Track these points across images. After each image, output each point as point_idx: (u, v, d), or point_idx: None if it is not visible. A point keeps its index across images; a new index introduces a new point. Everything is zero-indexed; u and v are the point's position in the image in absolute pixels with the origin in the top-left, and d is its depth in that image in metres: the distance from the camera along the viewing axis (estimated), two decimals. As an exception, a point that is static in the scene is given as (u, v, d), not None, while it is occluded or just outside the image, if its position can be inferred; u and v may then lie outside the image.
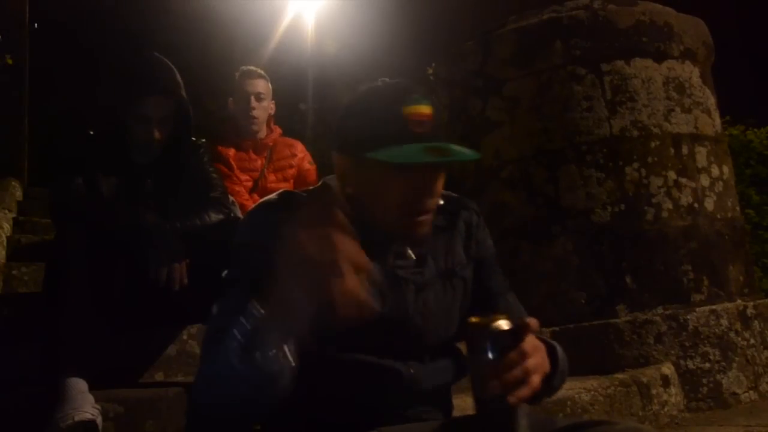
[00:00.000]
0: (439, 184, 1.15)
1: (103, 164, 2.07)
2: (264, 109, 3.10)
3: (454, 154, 1.09)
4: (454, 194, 1.32)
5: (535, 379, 0.95)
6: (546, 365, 1.02)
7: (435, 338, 1.21)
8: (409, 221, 1.13)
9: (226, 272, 1.14)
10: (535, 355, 0.97)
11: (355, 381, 1.14)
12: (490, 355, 0.94)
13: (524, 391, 0.94)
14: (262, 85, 3.11)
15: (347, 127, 1.16)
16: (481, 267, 1.32)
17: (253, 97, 3.05)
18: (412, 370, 1.17)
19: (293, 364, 0.95)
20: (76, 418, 1.59)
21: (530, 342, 0.97)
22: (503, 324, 0.95)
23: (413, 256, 1.21)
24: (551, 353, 1.09)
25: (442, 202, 1.23)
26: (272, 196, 1.20)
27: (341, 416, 1.14)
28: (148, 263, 1.88)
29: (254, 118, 3.06)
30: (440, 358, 1.23)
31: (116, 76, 2.18)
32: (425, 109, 1.09)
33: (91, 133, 2.17)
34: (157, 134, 2.04)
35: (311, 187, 1.29)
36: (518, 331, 0.96)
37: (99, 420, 1.63)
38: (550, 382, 1.09)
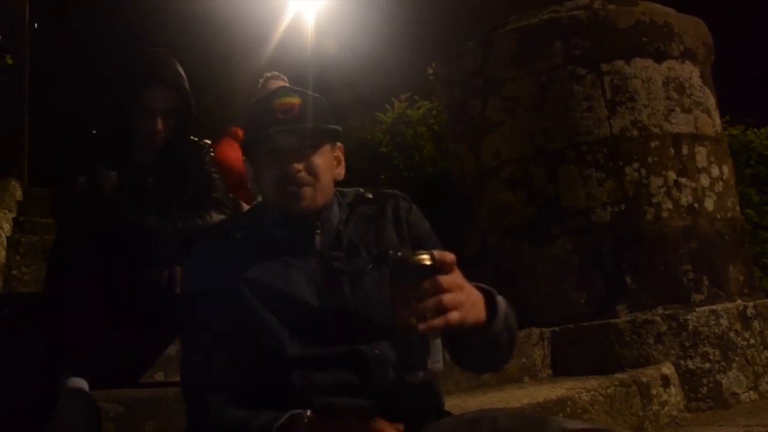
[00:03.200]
0: (311, 159, 1.26)
1: (105, 163, 2.07)
2: None
3: (303, 126, 1.25)
4: (384, 189, 1.41)
5: (454, 315, 0.99)
6: (477, 310, 1.07)
7: (385, 321, 1.22)
8: (284, 195, 1.25)
9: (182, 321, 1.30)
10: (456, 291, 1.01)
11: (324, 369, 1.19)
12: (403, 285, 0.98)
13: (437, 321, 0.98)
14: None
15: (243, 130, 1.39)
16: (418, 246, 1.32)
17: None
18: (377, 351, 1.21)
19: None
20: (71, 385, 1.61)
21: (451, 278, 1.01)
22: (424, 258, 0.99)
23: (337, 244, 1.30)
24: (490, 301, 1.12)
25: (369, 196, 1.37)
26: (205, 235, 1.40)
27: (326, 400, 1.18)
28: (149, 264, 1.88)
29: None
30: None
31: (120, 68, 2.19)
32: (291, 100, 1.27)
33: (94, 131, 2.17)
34: (160, 125, 2.05)
35: (250, 207, 1.47)
36: (439, 267, 0.99)
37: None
38: (488, 327, 1.12)
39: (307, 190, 1.25)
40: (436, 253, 1.00)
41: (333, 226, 1.31)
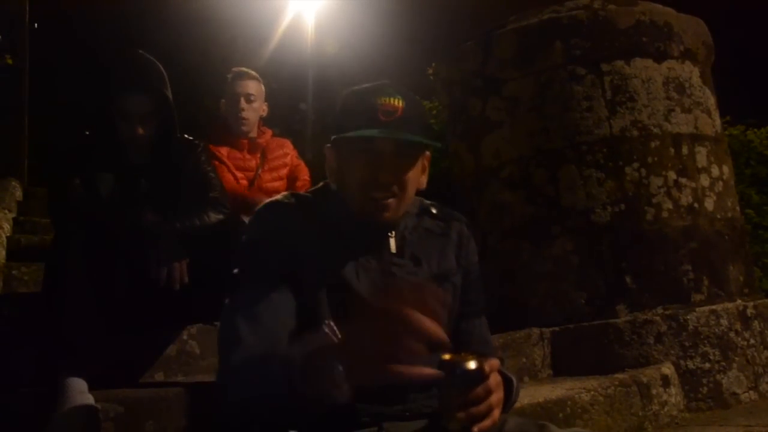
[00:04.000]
0: (404, 171, 1.22)
1: (99, 164, 2.08)
2: (254, 110, 3.11)
3: (406, 137, 1.19)
4: (447, 208, 1.41)
5: (497, 413, 1.08)
6: (503, 398, 1.13)
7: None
8: (369, 202, 1.22)
9: (237, 269, 1.22)
10: (498, 391, 1.09)
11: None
12: (458, 390, 1.05)
13: (487, 423, 1.05)
14: (253, 87, 3.12)
15: (333, 120, 1.29)
16: (466, 279, 1.38)
17: (242, 99, 3.07)
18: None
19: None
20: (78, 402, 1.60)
21: (494, 379, 1.08)
22: (471, 363, 1.06)
23: (401, 251, 1.29)
24: (507, 385, 1.19)
25: (434, 211, 1.36)
26: (279, 196, 1.31)
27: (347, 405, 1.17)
28: (148, 263, 1.88)
29: (243, 119, 3.07)
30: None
31: (101, 74, 2.20)
32: (395, 101, 1.20)
33: (87, 133, 2.18)
34: (140, 130, 2.06)
35: (313, 188, 1.38)
36: (483, 370, 1.06)
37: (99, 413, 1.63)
38: (504, 409, 1.19)
39: (393, 202, 1.22)
40: (486, 364, 1.06)
41: (399, 232, 1.30)
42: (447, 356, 1.06)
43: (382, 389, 1.17)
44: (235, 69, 3.21)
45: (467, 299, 1.38)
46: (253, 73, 3.18)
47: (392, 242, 1.27)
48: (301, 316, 1.19)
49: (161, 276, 1.88)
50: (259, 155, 3.14)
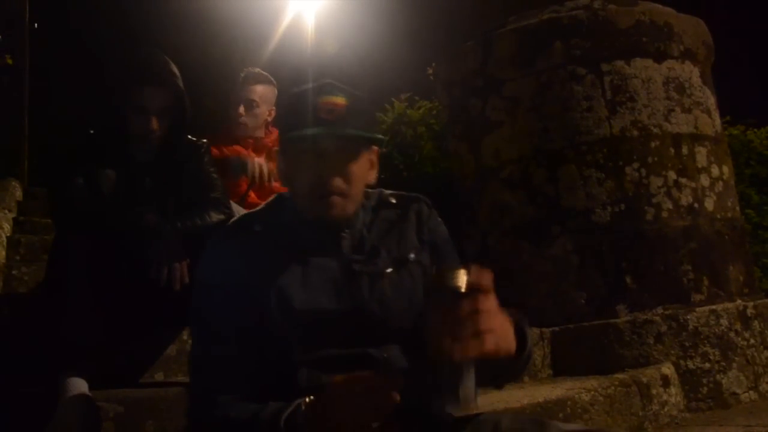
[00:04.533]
0: (348, 167, 1.22)
1: (103, 163, 2.07)
2: (255, 116, 3.06)
3: (345, 132, 1.19)
4: (406, 193, 1.40)
5: (489, 340, 0.97)
6: (508, 339, 1.05)
7: (399, 324, 1.25)
8: (317, 201, 1.22)
9: (192, 320, 1.26)
10: (491, 318, 0.99)
11: (332, 371, 1.16)
12: (445, 310, 0.95)
13: (472, 348, 0.95)
14: (258, 92, 3.07)
15: (277, 123, 1.28)
16: (435, 251, 1.35)
17: (242, 104, 3.03)
18: (385, 354, 1.21)
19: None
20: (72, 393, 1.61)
21: (488, 303, 1.00)
22: (461, 275, 0.97)
23: (360, 247, 1.28)
24: (520, 336, 1.12)
25: (393, 201, 1.35)
26: (225, 228, 1.36)
27: None
28: (149, 263, 1.88)
29: (240, 123, 3.06)
30: (415, 344, 1.24)
31: (114, 68, 2.20)
32: (337, 99, 1.20)
33: (91, 132, 2.17)
34: (154, 124, 2.05)
35: (267, 200, 1.39)
36: (474, 285, 0.99)
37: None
38: (517, 362, 1.13)
39: (340, 200, 1.22)
40: (474, 270, 0.99)
41: (357, 229, 1.30)
42: (435, 272, 1.00)
43: None
44: (247, 70, 3.14)
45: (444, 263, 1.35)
46: (263, 75, 3.09)
47: (346, 241, 1.27)
48: (270, 345, 1.19)
49: (162, 276, 1.88)
50: (264, 155, 3.14)
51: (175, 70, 2.13)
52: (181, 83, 2.11)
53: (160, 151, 2.13)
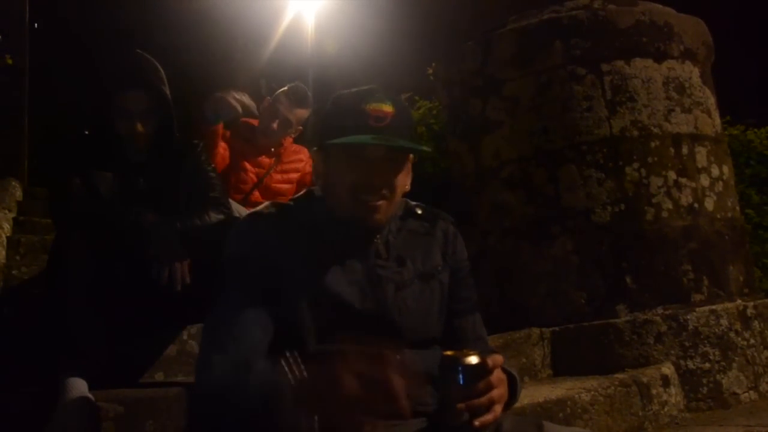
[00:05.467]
0: (394, 175, 1.25)
1: (99, 163, 2.08)
2: (285, 133, 3.09)
3: (399, 144, 1.21)
4: (432, 207, 1.43)
5: (498, 408, 1.09)
6: (506, 395, 1.15)
7: (413, 334, 1.28)
8: (360, 205, 1.23)
9: (220, 285, 1.25)
10: (500, 386, 1.10)
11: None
12: (460, 384, 1.07)
13: (488, 417, 1.07)
14: (298, 115, 3.07)
15: (321, 124, 1.30)
16: (455, 276, 1.39)
17: (278, 121, 3.03)
18: (398, 356, 1.19)
19: (292, 379, 1.01)
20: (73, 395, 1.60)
21: (496, 375, 1.09)
22: (473, 359, 1.08)
23: (385, 252, 1.30)
24: (510, 382, 1.20)
25: (420, 212, 1.38)
26: (260, 207, 1.33)
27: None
28: (149, 263, 1.88)
29: (270, 138, 3.07)
30: (425, 351, 1.29)
31: (99, 72, 2.22)
32: (385, 107, 1.22)
33: (86, 132, 2.18)
34: (139, 127, 2.07)
35: (296, 196, 1.39)
36: (485, 365, 1.08)
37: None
38: (508, 406, 1.21)
39: (383, 205, 1.24)
40: (489, 359, 1.08)
41: (384, 235, 1.31)
42: (449, 352, 1.09)
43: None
44: (296, 87, 3.11)
45: (458, 296, 1.39)
46: (308, 99, 3.10)
47: (379, 245, 1.29)
48: (285, 332, 1.20)
49: (162, 276, 1.88)
50: (274, 157, 3.15)
51: (159, 71, 2.15)
52: (163, 85, 2.13)
53: (153, 151, 2.14)
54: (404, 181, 1.29)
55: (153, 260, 1.89)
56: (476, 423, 1.05)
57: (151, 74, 2.12)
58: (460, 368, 1.07)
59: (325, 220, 1.28)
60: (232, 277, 1.23)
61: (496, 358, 1.09)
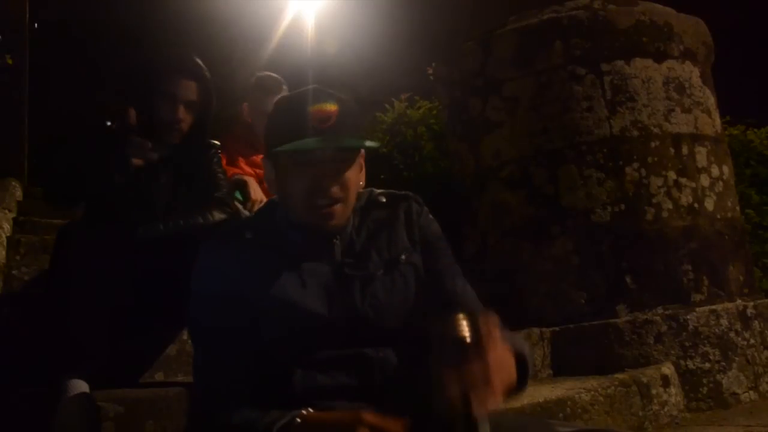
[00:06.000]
0: (344, 175, 1.22)
1: (119, 155, 2.08)
2: None
3: (345, 144, 1.20)
4: (396, 191, 1.38)
5: (500, 389, 0.96)
6: (513, 376, 1.07)
7: (393, 325, 1.25)
8: (315, 211, 1.21)
9: (189, 325, 1.29)
10: (501, 371, 0.99)
11: (327, 372, 1.19)
12: (453, 363, 0.93)
13: (487, 401, 0.95)
14: None
15: (267, 131, 1.28)
16: (428, 250, 1.34)
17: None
18: (381, 354, 1.21)
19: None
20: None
21: (499, 355, 0.99)
22: (465, 330, 0.94)
23: (350, 249, 1.28)
24: (520, 361, 1.13)
25: (383, 200, 1.34)
26: (218, 231, 1.37)
27: (326, 404, 1.17)
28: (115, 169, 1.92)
29: None
30: (410, 344, 1.25)
31: (148, 57, 2.24)
32: (329, 107, 1.19)
33: (108, 123, 2.20)
34: (181, 113, 2.08)
35: (259, 206, 1.38)
36: (481, 337, 0.96)
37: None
38: (519, 389, 1.15)
39: (338, 208, 1.22)
40: (482, 325, 0.97)
41: (347, 232, 1.29)
42: (435, 321, 0.98)
43: (357, 383, 1.19)
44: (264, 77, 3.06)
45: (437, 264, 1.33)
46: (278, 82, 3.02)
47: (338, 248, 1.26)
48: (267, 354, 1.20)
49: (131, 165, 1.95)
50: None
51: (207, 72, 2.18)
52: (210, 84, 2.15)
53: (178, 147, 2.14)
54: (357, 178, 1.26)
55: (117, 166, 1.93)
56: (477, 412, 0.93)
57: (201, 67, 2.16)
58: (447, 342, 0.94)
59: (286, 227, 1.27)
60: (201, 318, 1.24)
61: (489, 322, 0.99)
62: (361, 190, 1.34)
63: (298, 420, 1.06)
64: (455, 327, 0.95)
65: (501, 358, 1.00)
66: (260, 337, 1.20)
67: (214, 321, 1.22)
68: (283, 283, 1.22)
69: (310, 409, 1.08)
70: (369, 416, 1.02)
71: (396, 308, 1.26)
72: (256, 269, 1.22)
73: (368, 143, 1.25)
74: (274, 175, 1.28)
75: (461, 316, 0.96)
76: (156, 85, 2.09)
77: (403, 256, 1.29)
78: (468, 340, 0.94)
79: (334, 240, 1.27)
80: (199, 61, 2.17)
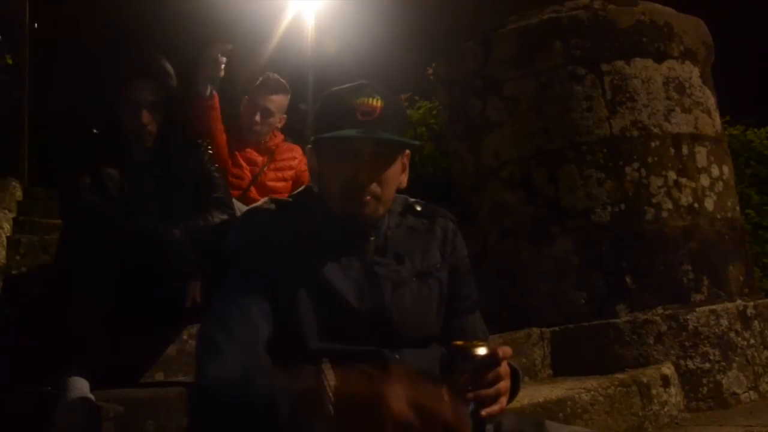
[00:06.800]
0: (383, 170, 1.23)
1: (106, 162, 2.08)
2: (269, 124, 3.09)
3: (385, 137, 1.20)
4: (432, 204, 1.41)
5: (504, 400, 1.08)
6: (508, 386, 1.13)
7: (411, 333, 1.27)
8: (350, 201, 1.22)
9: (219, 278, 1.23)
10: (506, 379, 1.09)
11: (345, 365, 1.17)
12: (470, 374, 1.06)
13: (495, 408, 1.06)
14: (276, 102, 3.07)
15: (314, 121, 1.30)
16: (455, 274, 1.38)
17: (259, 113, 3.04)
18: (397, 356, 1.22)
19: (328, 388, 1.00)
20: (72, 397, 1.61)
21: (504, 367, 1.08)
22: (483, 349, 1.08)
23: (383, 250, 1.29)
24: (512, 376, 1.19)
25: (419, 208, 1.37)
26: (259, 202, 1.33)
27: None
28: (170, 275, 1.88)
29: (255, 131, 3.07)
30: (422, 350, 1.29)
31: (106, 65, 2.22)
32: (373, 101, 1.21)
33: (94, 131, 2.18)
34: (145, 117, 2.06)
35: (295, 192, 1.39)
36: (495, 355, 1.08)
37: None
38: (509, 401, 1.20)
39: (373, 202, 1.23)
40: (499, 349, 1.08)
41: (381, 232, 1.30)
42: (459, 342, 1.09)
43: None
44: (267, 75, 3.13)
45: (458, 295, 1.37)
46: (282, 84, 3.09)
47: (372, 245, 1.28)
48: (283, 327, 1.19)
49: (178, 286, 1.89)
50: (266, 155, 3.15)
51: (167, 65, 2.15)
52: (171, 78, 2.12)
53: (158, 150, 2.14)
54: (396, 177, 1.28)
55: (174, 274, 1.89)
56: (483, 413, 1.05)
57: (157, 66, 2.13)
58: (470, 357, 1.06)
59: (323, 217, 1.28)
60: (233, 269, 1.22)
61: (506, 350, 1.08)
62: (401, 193, 1.36)
63: (331, 395, 0.98)
64: (475, 349, 1.08)
65: (507, 372, 1.09)
66: (282, 319, 1.19)
67: (248, 276, 1.20)
68: (315, 262, 1.22)
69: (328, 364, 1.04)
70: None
71: (419, 317, 1.29)
72: (292, 249, 1.23)
73: (410, 141, 1.27)
74: (316, 164, 1.30)
75: (482, 343, 1.09)
76: (116, 95, 2.08)
77: (433, 270, 1.33)
78: (485, 354, 1.07)
79: (370, 237, 1.28)
80: (155, 58, 2.14)
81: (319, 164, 1.28)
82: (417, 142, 1.33)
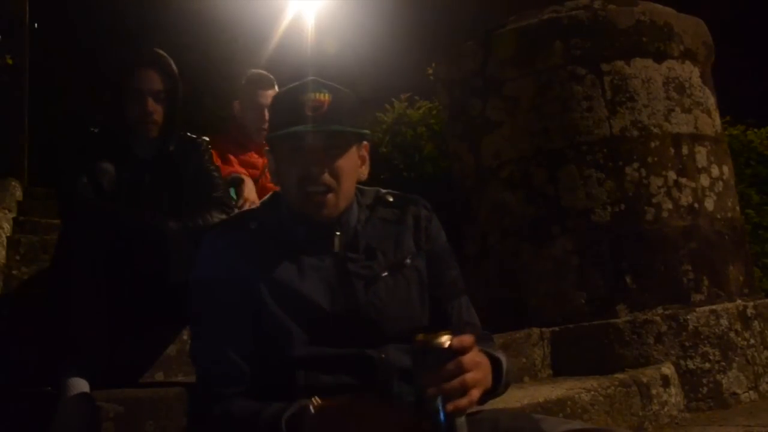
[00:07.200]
0: (335, 163, 1.23)
1: (103, 159, 2.08)
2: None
3: (332, 128, 1.21)
4: (405, 194, 1.39)
5: (475, 393, 1.03)
6: (488, 380, 1.10)
7: (395, 328, 1.25)
8: (307, 199, 1.22)
9: (190, 312, 1.26)
10: (476, 370, 1.04)
11: (330, 370, 1.19)
12: (429, 368, 1.02)
13: (462, 402, 1.01)
14: (270, 97, 3.07)
15: (268, 123, 1.33)
16: (433, 260, 1.34)
17: (266, 110, 3.01)
18: (383, 355, 1.21)
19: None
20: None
21: (470, 357, 1.03)
22: (444, 341, 1.03)
23: (354, 245, 1.28)
24: (496, 367, 1.15)
25: (390, 199, 1.35)
26: (219, 223, 1.38)
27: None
28: (169, 268, 1.88)
29: (263, 130, 3.04)
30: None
31: (109, 59, 2.24)
32: (321, 96, 1.21)
33: (93, 129, 2.18)
34: (150, 106, 2.07)
35: (263, 199, 1.39)
36: (451, 348, 1.03)
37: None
38: (495, 392, 1.17)
39: (330, 197, 1.23)
40: (455, 340, 1.03)
41: (351, 226, 1.29)
42: (419, 336, 1.05)
43: (357, 383, 1.19)
44: (253, 73, 3.09)
45: (440, 281, 1.34)
46: (272, 78, 3.06)
47: (337, 241, 1.26)
48: (266, 344, 1.20)
49: (176, 279, 1.88)
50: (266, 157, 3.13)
51: (172, 63, 2.17)
52: (174, 71, 2.14)
53: (160, 146, 2.14)
54: (353, 169, 1.27)
55: (172, 268, 1.88)
56: (449, 407, 0.99)
57: (161, 57, 2.16)
58: (427, 351, 1.02)
59: (289, 219, 1.27)
60: (204, 303, 1.24)
61: (463, 339, 1.04)
62: (366, 187, 1.35)
63: (312, 409, 1.05)
64: (438, 341, 1.03)
65: (475, 362, 1.04)
66: (261, 330, 1.20)
67: (216, 308, 1.22)
68: (282, 272, 1.22)
69: (317, 398, 1.07)
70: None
71: (398, 311, 1.26)
72: (258, 259, 1.23)
73: (353, 129, 1.26)
74: (274, 166, 1.31)
75: (445, 334, 1.04)
76: (120, 86, 2.10)
77: (408, 260, 1.30)
78: (444, 346, 1.02)
79: (335, 232, 1.26)
80: (159, 51, 2.17)
81: (277, 165, 1.29)
82: (367, 131, 1.31)
